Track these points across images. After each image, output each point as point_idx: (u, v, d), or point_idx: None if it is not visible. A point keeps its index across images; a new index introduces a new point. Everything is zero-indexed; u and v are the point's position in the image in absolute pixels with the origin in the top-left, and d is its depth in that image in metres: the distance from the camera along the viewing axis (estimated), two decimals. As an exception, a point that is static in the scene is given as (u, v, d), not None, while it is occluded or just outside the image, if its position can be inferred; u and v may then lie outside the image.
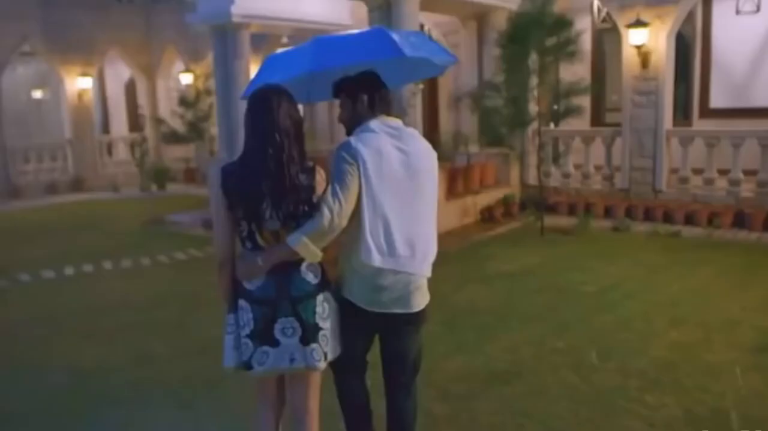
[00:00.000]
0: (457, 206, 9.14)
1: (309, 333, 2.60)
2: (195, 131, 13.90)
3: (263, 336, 2.59)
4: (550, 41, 8.28)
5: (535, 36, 8.22)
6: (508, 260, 7.43)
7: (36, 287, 7.15)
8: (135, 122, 17.57)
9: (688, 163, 9.24)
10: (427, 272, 2.74)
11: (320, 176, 2.61)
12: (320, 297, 2.64)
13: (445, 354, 4.74)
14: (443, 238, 8.41)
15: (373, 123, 2.68)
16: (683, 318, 5.32)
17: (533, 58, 8.44)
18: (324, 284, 2.68)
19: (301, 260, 2.59)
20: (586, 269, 6.92)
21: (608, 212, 9.39)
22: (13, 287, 7.16)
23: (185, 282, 7.02)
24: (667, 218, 8.87)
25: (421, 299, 2.76)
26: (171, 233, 9.78)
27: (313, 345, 2.60)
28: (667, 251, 7.57)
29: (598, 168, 10.17)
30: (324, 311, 2.65)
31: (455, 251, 7.80)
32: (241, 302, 2.62)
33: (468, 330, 5.28)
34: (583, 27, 9.70)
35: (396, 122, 2.75)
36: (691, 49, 10.74)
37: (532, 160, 10.09)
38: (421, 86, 8.62)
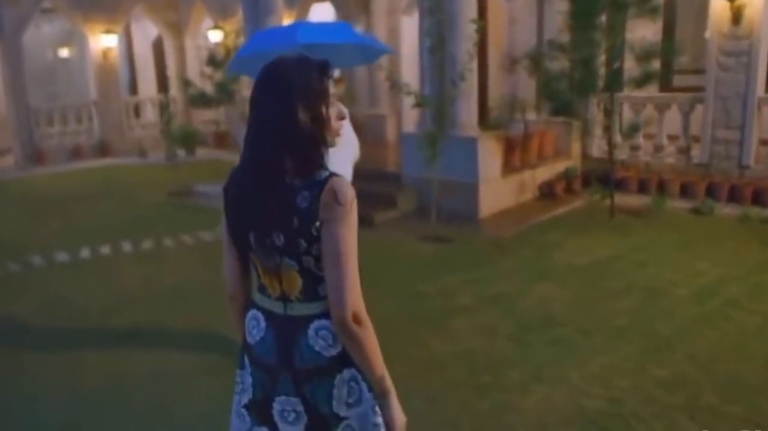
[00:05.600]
0: (513, 181, 8.12)
1: (320, 424, 1.74)
2: (224, 93, 12.98)
3: (261, 412, 1.80)
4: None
5: (610, -13, 7.04)
6: (578, 250, 6.44)
7: (48, 274, 6.44)
8: (163, 83, 16.77)
9: (781, 135, 8.03)
10: None
11: (330, 196, 1.63)
12: (343, 376, 1.73)
13: (519, 383, 3.86)
14: (498, 219, 7.68)
15: None
16: (812, 339, 4.33)
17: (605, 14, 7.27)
18: (349, 358, 1.74)
19: (312, 316, 1.71)
20: (672, 265, 5.91)
21: (685, 191, 8.25)
22: (24, 273, 6.48)
23: (211, 270, 6.15)
24: (758, 198, 7.71)
25: None
26: (197, 207, 8.98)
27: None
28: (765, 242, 6.49)
29: (672, 139, 9.00)
30: (349, 394, 1.74)
31: (513, 236, 6.82)
32: (246, 360, 1.86)
33: (544, 347, 4.37)
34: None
35: None
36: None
37: (596, 129, 8.98)
38: (475, 46, 7.50)
